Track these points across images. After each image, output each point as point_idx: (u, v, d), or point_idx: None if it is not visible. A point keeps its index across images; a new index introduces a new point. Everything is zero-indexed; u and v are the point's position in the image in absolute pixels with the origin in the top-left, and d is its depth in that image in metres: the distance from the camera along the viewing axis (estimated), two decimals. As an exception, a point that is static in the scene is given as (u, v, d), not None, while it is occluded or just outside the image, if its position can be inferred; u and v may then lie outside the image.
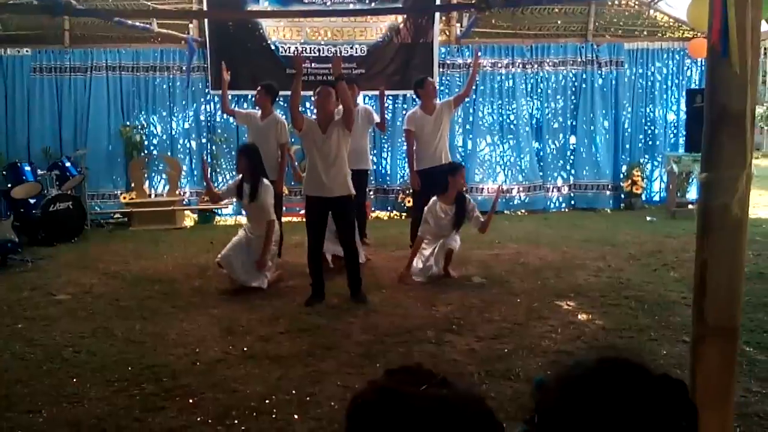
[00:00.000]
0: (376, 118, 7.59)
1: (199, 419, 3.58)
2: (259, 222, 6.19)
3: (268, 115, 7.01)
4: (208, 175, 6.38)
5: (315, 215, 5.74)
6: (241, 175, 6.27)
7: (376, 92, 7.93)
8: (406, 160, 7.84)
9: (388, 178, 10.32)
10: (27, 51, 9.86)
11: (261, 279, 6.09)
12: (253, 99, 8.09)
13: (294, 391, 3.89)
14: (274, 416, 3.60)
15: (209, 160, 10.16)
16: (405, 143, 7.70)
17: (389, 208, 10.31)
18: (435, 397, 0.99)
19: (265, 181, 6.20)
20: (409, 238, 7.47)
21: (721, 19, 1.84)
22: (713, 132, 1.91)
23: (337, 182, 5.63)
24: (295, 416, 3.59)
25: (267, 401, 3.77)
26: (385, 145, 10.37)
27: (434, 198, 6.47)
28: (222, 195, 6.57)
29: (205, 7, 9.56)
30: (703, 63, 8.40)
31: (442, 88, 10.07)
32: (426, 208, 6.49)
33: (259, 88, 7.15)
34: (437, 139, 7.11)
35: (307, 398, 3.80)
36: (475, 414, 1.02)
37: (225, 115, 9.90)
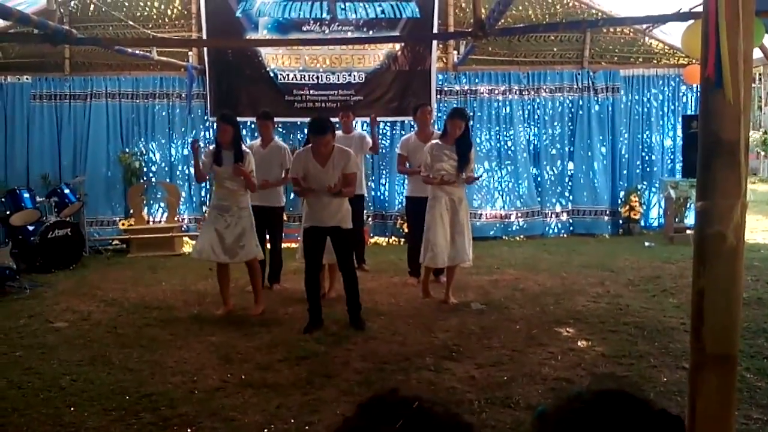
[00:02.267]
0: (370, 143, 7.74)
1: (196, 449, 3.56)
2: (232, 187, 6.10)
3: (270, 141, 7.04)
4: (199, 157, 6.37)
5: (313, 242, 5.73)
6: (214, 145, 6.26)
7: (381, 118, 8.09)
8: (405, 177, 7.89)
9: (386, 203, 10.35)
10: (27, 78, 9.93)
11: (252, 251, 6.16)
12: (252, 126, 8.10)
13: (293, 420, 3.87)
14: (272, 445, 3.58)
15: (207, 186, 10.19)
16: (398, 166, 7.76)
17: (387, 233, 10.32)
18: None
19: (246, 149, 6.26)
20: (407, 264, 7.49)
21: (715, 51, 1.87)
22: (707, 161, 1.93)
23: (337, 215, 5.63)
24: (294, 445, 3.57)
25: (265, 430, 3.75)
26: (383, 172, 10.41)
27: (435, 141, 6.53)
28: (204, 170, 6.33)
29: (204, 36, 9.66)
30: (699, 89, 8.47)
31: (439, 114, 10.13)
32: (424, 147, 6.55)
33: (257, 117, 7.20)
34: None
35: (306, 427, 3.78)
36: None
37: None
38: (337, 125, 7.87)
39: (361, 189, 7.82)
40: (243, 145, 6.26)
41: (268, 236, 7.12)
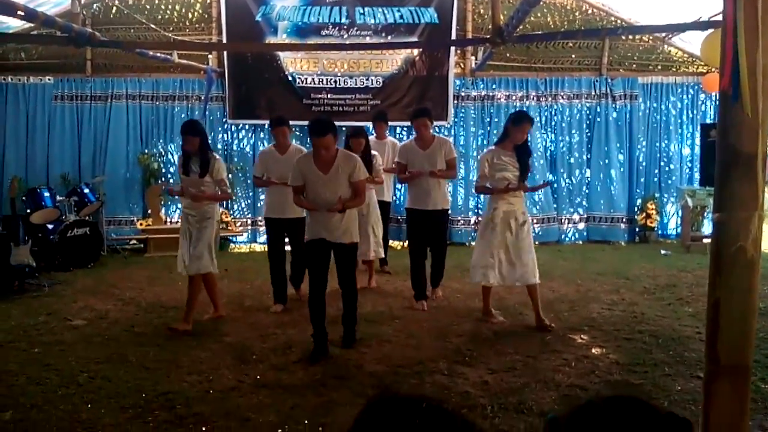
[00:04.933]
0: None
1: (212, 448, 3.60)
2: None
3: (288, 146, 6.75)
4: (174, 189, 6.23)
5: (315, 256, 5.17)
6: (181, 154, 5.97)
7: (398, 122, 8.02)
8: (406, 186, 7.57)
9: (401, 208, 10.35)
10: (49, 79, 10.04)
11: (204, 265, 5.81)
12: (269, 130, 8.04)
13: (306, 421, 3.90)
14: (286, 446, 3.61)
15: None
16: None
17: (402, 237, 10.33)
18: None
19: (216, 155, 5.98)
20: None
21: (732, 64, 1.88)
22: (725, 173, 1.94)
23: (340, 229, 5.08)
24: (308, 446, 3.60)
25: (280, 430, 3.78)
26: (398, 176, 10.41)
27: (491, 147, 6.14)
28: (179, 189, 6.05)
29: (224, 39, 9.73)
30: (718, 97, 8.43)
31: (456, 119, 10.17)
32: (481, 156, 6.29)
33: (270, 123, 6.96)
34: (428, 180, 6.60)
35: (320, 428, 3.81)
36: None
37: (242, 144, 10.16)
38: (371, 132, 7.93)
39: (387, 196, 7.89)
40: (210, 152, 5.89)
41: (289, 244, 7.05)
